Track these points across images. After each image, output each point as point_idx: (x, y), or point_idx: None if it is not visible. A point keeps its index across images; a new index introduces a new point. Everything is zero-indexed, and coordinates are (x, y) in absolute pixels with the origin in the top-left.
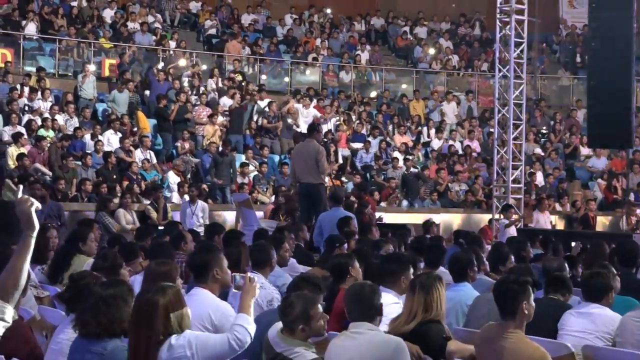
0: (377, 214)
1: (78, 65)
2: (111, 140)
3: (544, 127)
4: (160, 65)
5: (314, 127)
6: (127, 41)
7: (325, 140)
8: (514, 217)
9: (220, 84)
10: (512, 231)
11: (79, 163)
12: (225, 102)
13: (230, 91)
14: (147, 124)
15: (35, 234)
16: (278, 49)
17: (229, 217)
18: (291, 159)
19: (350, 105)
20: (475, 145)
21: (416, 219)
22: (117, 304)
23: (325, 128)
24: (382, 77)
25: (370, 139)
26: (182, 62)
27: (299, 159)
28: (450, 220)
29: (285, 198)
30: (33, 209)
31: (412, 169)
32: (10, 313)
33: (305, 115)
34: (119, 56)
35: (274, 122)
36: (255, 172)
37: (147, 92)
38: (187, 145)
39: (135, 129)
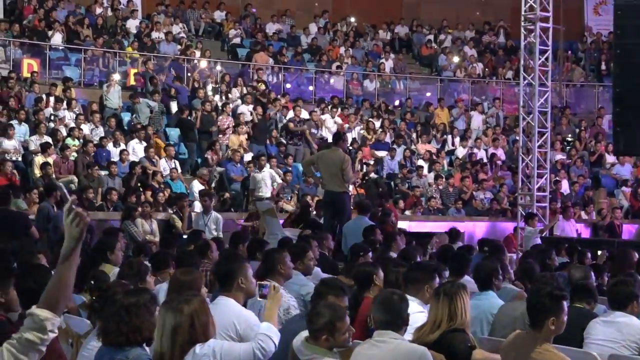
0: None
1: (103, 74)
2: (136, 149)
3: (569, 135)
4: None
5: (339, 135)
6: (151, 51)
7: (350, 148)
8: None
9: (244, 91)
10: (537, 239)
11: (105, 172)
12: (244, 110)
13: (248, 97)
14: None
15: (79, 244)
16: (302, 58)
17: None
18: (316, 162)
19: (374, 113)
20: (500, 153)
21: (441, 227)
22: (139, 312)
23: (349, 137)
24: (406, 86)
25: (394, 147)
26: (204, 64)
27: (324, 167)
28: (475, 228)
29: (301, 207)
30: (84, 222)
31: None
32: (57, 324)
33: (329, 124)
34: (143, 64)
35: (300, 125)
36: (280, 181)
37: (173, 103)
38: (215, 158)
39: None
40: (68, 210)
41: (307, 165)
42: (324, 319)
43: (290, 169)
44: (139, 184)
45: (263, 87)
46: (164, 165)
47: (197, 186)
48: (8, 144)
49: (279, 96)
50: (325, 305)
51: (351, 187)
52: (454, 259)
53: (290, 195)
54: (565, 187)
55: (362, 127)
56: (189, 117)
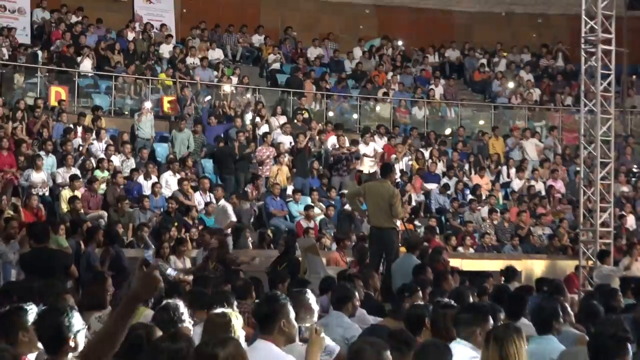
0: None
1: (135, 103)
2: (170, 182)
3: (635, 166)
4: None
5: (389, 167)
6: (186, 77)
7: (398, 181)
8: (625, 261)
9: (283, 120)
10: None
11: (136, 206)
12: (284, 139)
13: (288, 127)
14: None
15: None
16: (346, 84)
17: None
18: (362, 193)
19: (423, 143)
20: (560, 186)
21: (496, 265)
22: None
23: (397, 167)
24: (457, 113)
25: (445, 179)
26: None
27: (372, 200)
28: (533, 267)
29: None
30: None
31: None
32: None
33: (365, 150)
34: (179, 91)
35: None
36: (322, 216)
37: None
38: (255, 193)
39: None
40: (150, 270)
41: (353, 197)
42: (366, 357)
43: (332, 202)
44: (175, 222)
45: (306, 115)
46: (199, 199)
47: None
48: (36, 176)
49: (320, 125)
50: (367, 342)
51: (399, 223)
52: (510, 300)
53: (334, 231)
54: (631, 222)
55: (410, 157)
56: (226, 146)
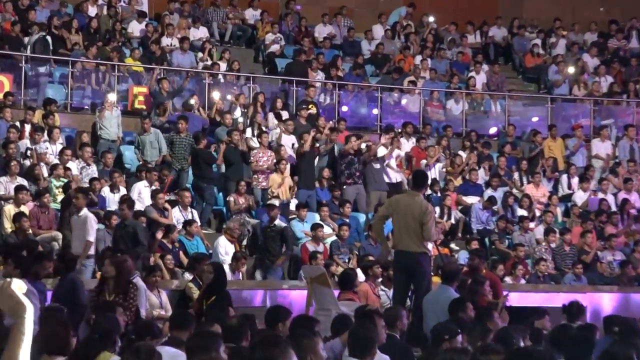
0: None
1: (98, 95)
2: (143, 194)
3: None
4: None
5: (422, 176)
6: (161, 62)
7: (429, 193)
8: None
9: (284, 117)
10: None
11: (99, 226)
12: (286, 141)
13: (290, 125)
14: None
15: (27, 314)
16: (364, 71)
17: (295, 297)
18: (380, 211)
19: (461, 145)
20: (635, 199)
21: (554, 300)
22: None
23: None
24: (504, 108)
25: (489, 191)
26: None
27: (399, 218)
28: (601, 301)
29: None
30: (15, 288)
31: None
32: None
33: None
34: (153, 80)
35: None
36: (333, 237)
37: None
38: (242, 201)
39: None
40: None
41: (381, 223)
42: None
43: (347, 220)
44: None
45: (313, 110)
46: (177, 216)
47: (223, 245)
48: None
49: (331, 123)
50: None
51: (431, 246)
52: (571, 343)
53: (349, 256)
54: None
55: (444, 164)
56: (207, 149)
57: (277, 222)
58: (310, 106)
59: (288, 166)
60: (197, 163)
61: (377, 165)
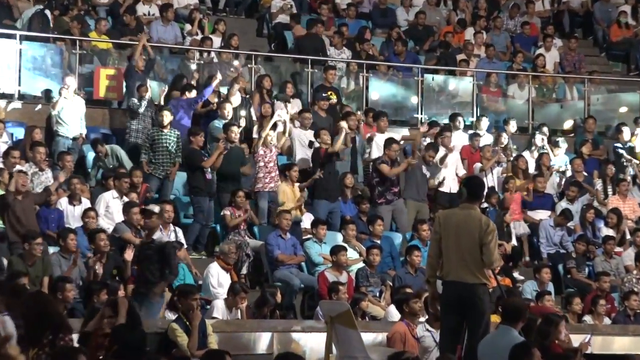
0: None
1: (53, 79)
2: (112, 208)
3: None
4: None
5: (478, 185)
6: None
7: (486, 206)
8: None
9: (297, 108)
10: None
11: (54, 249)
12: (300, 137)
13: (306, 117)
14: None
15: None
16: (400, 47)
17: (311, 342)
18: (432, 237)
19: (527, 143)
20: None
21: None
22: None
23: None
24: (583, 94)
25: (563, 203)
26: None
27: (450, 239)
28: None
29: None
30: None
31: None
32: None
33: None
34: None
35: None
36: (360, 264)
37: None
38: (240, 215)
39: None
40: None
41: (437, 251)
42: None
43: (378, 241)
44: (114, 272)
45: (334, 98)
46: (157, 237)
47: (216, 273)
48: None
49: (359, 114)
50: None
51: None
52: None
53: (380, 288)
54: None
55: (504, 168)
56: (202, 151)
57: (158, 235)
58: (329, 93)
59: (296, 171)
60: (188, 167)
61: (428, 174)
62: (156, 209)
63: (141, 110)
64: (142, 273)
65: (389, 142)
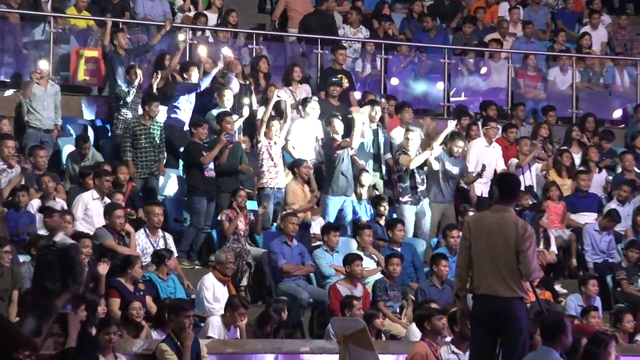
0: None
1: (23, 63)
2: (91, 210)
3: None
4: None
5: (513, 184)
6: (120, 14)
7: (522, 208)
8: None
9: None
10: None
11: (25, 257)
12: (305, 128)
13: (312, 106)
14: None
15: None
16: (422, 24)
17: None
18: (460, 245)
19: (567, 135)
20: None
21: None
22: None
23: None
24: (635, 78)
25: (612, 204)
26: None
27: (482, 247)
28: None
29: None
30: None
31: None
32: None
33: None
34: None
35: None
36: (378, 275)
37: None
38: (241, 225)
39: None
40: None
41: (466, 261)
42: None
43: (398, 249)
44: (91, 285)
45: (346, 83)
46: (144, 244)
47: (211, 286)
48: None
49: (380, 99)
50: None
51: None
52: None
53: (401, 303)
54: None
55: (544, 164)
56: (200, 142)
57: (60, 236)
58: (342, 78)
59: (307, 167)
60: (184, 162)
61: (455, 170)
62: (57, 205)
63: (129, 98)
64: (40, 281)
65: (407, 130)
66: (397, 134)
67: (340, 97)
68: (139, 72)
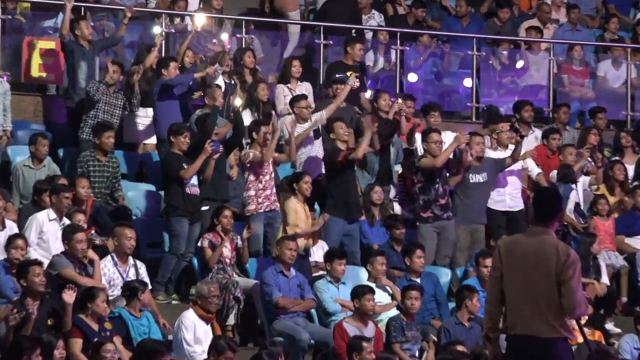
0: None
1: None
2: (47, 234)
3: None
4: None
5: (553, 201)
6: None
7: (564, 230)
8: None
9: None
10: None
11: None
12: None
13: (303, 109)
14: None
15: None
16: (445, 10)
17: None
18: (490, 275)
19: (616, 142)
20: None
21: None
22: None
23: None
24: None
25: None
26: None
27: (515, 276)
28: None
29: None
30: None
31: None
32: None
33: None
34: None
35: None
36: (393, 311)
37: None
38: (227, 251)
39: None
40: None
41: (497, 294)
42: None
43: (417, 280)
44: (49, 323)
45: (356, 82)
46: (111, 274)
47: (192, 323)
48: None
49: (396, 101)
50: None
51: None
52: None
53: (421, 344)
54: None
55: (592, 177)
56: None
57: None
58: (349, 74)
59: (307, 182)
60: (163, 177)
61: (480, 177)
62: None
63: (97, 97)
64: None
65: (427, 132)
66: (416, 141)
67: (348, 98)
68: (112, 67)
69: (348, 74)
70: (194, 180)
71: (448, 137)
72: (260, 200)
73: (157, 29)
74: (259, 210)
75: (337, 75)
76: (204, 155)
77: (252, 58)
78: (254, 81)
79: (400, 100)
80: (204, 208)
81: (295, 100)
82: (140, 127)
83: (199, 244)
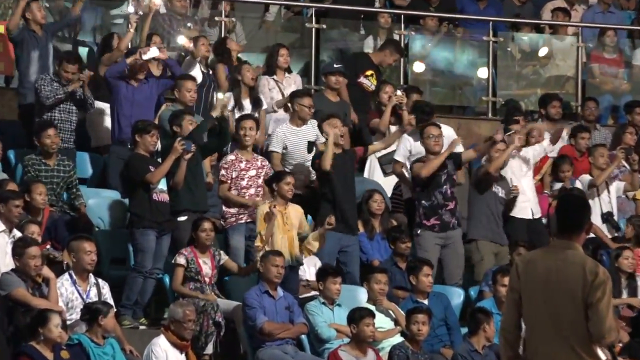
0: None
1: None
2: None
3: None
4: None
5: (581, 209)
6: None
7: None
8: None
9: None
10: None
11: None
12: (292, 134)
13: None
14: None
15: None
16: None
17: None
18: (507, 297)
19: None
20: None
21: None
22: None
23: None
24: None
25: None
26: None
27: (536, 298)
28: None
29: None
30: None
31: None
32: None
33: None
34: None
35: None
36: (397, 338)
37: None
38: (206, 268)
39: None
40: None
41: (516, 319)
42: None
43: (425, 302)
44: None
45: (371, 83)
46: (69, 295)
47: (163, 351)
48: None
49: (394, 92)
50: None
51: (604, 357)
52: None
53: None
54: None
55: (626, 183)
56: (146, 155)
57: None
58: (370, 73)
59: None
60: (127, 182)
61: (498, 188)
62: None
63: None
64: None
65: (424, 125)
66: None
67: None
68: (69, 68)
69: (368, 73)
70: (162, 185)
71: (447, 132)
72: (240, 211)
73: (130, 9)
74: (238, 221)
75: (335, 66)
76: (174, 156)
77: (236, 44)
78: (238, 64)
79: (399, 92)
80: (182, 219)
81: (296, 95)
82: (103, 127)
83: (173, 261)
